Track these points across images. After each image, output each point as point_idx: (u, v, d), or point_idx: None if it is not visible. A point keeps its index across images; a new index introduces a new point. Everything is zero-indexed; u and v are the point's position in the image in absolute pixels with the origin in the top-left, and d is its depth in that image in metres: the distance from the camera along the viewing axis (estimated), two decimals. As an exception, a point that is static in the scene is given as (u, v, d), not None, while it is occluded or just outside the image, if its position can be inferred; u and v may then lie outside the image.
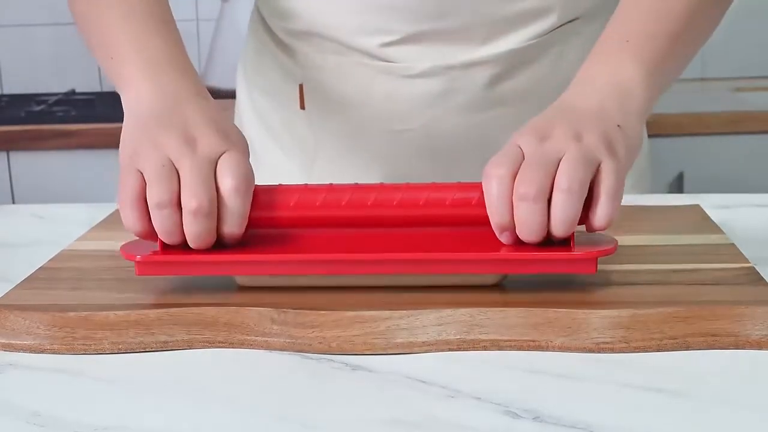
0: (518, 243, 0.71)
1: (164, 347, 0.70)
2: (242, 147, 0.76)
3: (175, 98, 0.77)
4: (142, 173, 0.71)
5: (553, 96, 1.01)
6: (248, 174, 0.73)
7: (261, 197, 0.74)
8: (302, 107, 1.05)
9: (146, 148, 0.72)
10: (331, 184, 0.76)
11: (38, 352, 0.70)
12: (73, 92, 2.33)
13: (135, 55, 0.80)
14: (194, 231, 0.70)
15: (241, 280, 0.75)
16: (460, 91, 1.00)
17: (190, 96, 0.78)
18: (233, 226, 0.72)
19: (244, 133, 1.12)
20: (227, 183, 0.71)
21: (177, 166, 0.71)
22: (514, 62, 1.00)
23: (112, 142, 2.00)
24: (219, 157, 0.72)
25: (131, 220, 0.71)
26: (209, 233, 0.71)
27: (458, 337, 0.68)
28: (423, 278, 0.74)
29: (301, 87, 1.04)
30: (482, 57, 0.99)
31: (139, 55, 0.80)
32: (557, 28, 1.01)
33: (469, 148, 1.02)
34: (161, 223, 0.70)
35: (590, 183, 0.69)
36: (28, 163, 2.04)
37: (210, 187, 0.71)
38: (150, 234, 0.72)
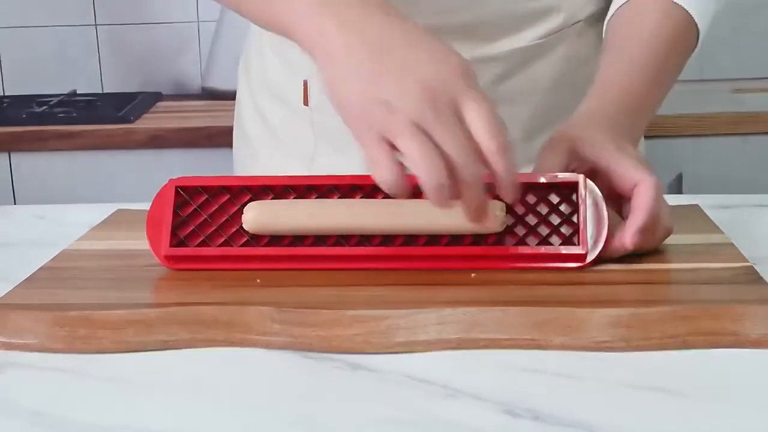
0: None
1: (165, 346, 0.70)
2: (467, 70, 0.71)
3: (380, 39, 0.72)
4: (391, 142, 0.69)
5: (553, 97, 1.02)
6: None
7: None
8: (305, 104, 1.05)
9: (382, 110, 0.69)
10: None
11: (39, 351, 0.70)
12: (74, 93, 2.33)
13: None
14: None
15: (252, 226, 0.78)
16: None
17: (386, 27, 0.73)
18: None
19: (245, 133, 1.13)
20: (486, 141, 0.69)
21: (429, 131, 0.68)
22: (518, 61, 1.00)
23: (113, 143, 2.02)
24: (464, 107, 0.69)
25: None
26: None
27: (458, 336, 0.68)
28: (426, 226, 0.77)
29: (305, 83, 1.04)
30: (489, 55, 0.99)
31: None
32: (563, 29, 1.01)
33: None
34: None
35: None
36: (29, 164, 2.04)
37: (474, 151, 0.69)
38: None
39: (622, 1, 0.95)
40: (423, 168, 0.67)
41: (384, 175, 0.68)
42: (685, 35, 0.93)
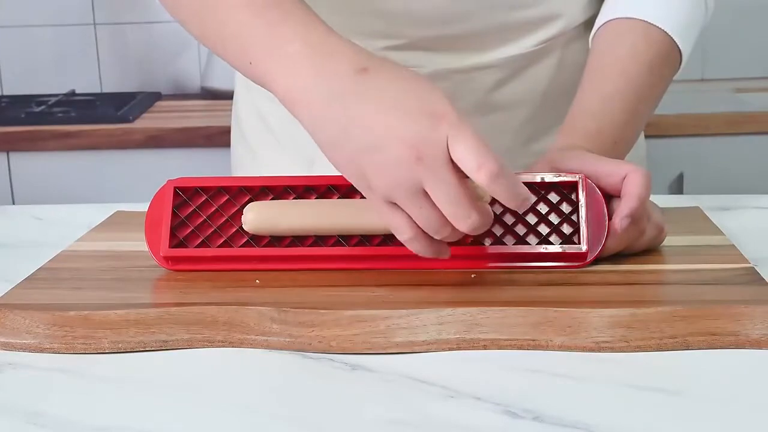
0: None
1: (164, 346, 0.70)
2: (447, 108, 0.68)
3: (345, 97, 0.69)
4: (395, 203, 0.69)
5: (548, 101, 1.01)
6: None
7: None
8: None
9: (375, 177, 0.69)
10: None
11: (38, 352, 0.70)
12: (73, 93, 2.33)
13: (276, 51, 0.72)
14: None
15: (252, 226, 0.78)
16: (464, 96, 0.99)
17: (359, 81, 0.70)
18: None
19: (243, 133, 1.13)
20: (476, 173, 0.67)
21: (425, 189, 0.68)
22: (518, 67, 1.00)
23: (111, 143, 2.02)
24: (449, 150, 0.67)
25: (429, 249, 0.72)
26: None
27: (458, 336, 0.68)
28: None
29: None
30: (489, 61, 0.99)
31: (279, 50, 0.72)
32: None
33: None
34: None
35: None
36: (28, 164, 2.04)
37: (468, 199, 0.68)
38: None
39: (607, 16, 0.93)
40: (417, 244, 0.71)
41: (406, 235, 0.71)
42: (666, 59, 0.91)
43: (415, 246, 0.71)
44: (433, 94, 0.69)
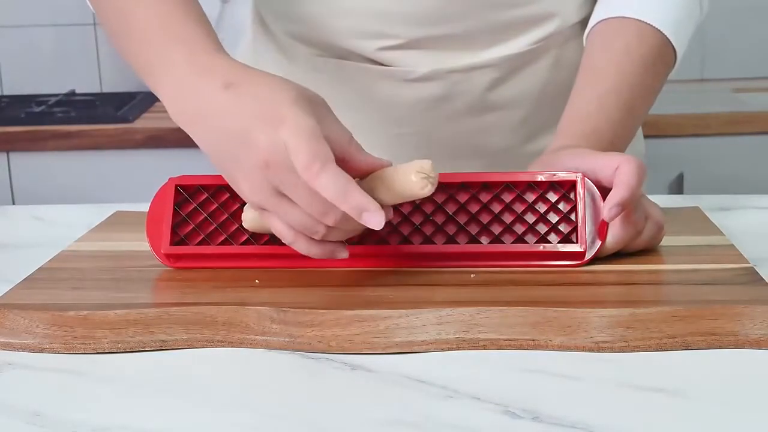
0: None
1: (163, 346, 0.70)
2: (288, 113, 0.69)
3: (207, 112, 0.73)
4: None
5: (545, 100, 1.01)
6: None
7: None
8: None
9: (243, 187, 0.72)
10: None
11: (37, 351, 0.70)
12: (73, 93, 2.33)
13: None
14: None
15: (251, 225, 0.78)
16: (460, 95, 0.99)
17: (221, 101, 0.73)
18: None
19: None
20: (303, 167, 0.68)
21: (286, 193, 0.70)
22: (513, 66, 1.00)
23: (111, 143, 2.02)
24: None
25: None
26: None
27: (457, 336, 0.68)
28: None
29: None
30: (484, 61, 0.99)
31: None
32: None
33: (463, 152, 1.02)
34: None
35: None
36: (27, 164, 2.04)
37: (321, 197, 0.68)
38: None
39: (600, 15, 0.94)
40: (299, 245, 0.73)
41: (287, 238, 0.73)
42: (660, 57, 0.91)
43: (300, 247, 0.72)
44: (280, 98, 0.70)
